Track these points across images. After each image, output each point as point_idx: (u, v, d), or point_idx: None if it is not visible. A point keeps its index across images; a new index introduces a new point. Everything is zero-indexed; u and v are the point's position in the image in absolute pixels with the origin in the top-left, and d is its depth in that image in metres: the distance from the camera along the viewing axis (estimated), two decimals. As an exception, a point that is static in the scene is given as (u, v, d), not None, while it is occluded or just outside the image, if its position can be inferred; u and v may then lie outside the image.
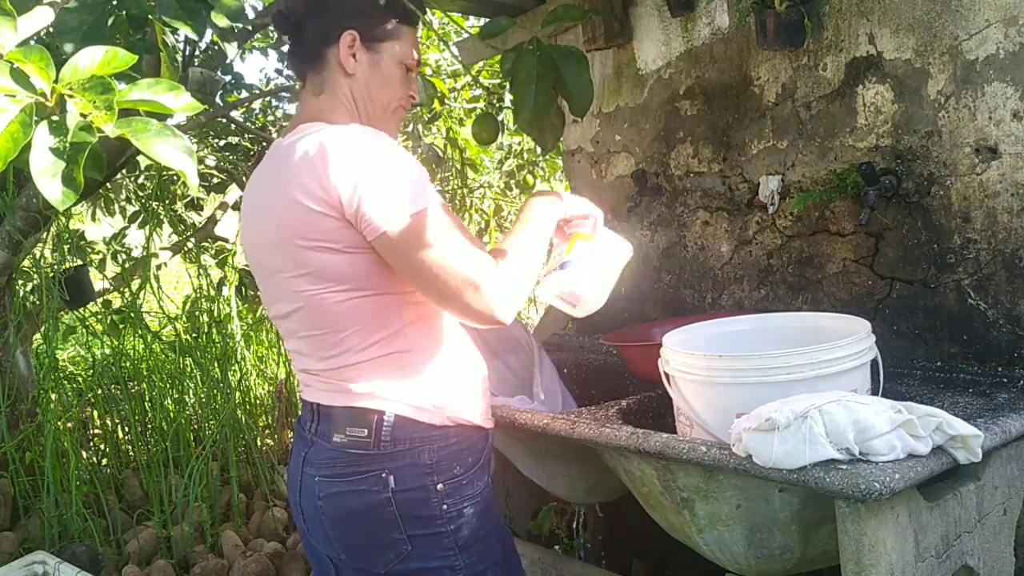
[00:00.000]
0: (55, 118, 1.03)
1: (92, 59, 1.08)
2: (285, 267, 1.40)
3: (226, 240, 4.78)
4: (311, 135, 1.38)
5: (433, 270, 1.32)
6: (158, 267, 4.14)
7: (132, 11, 1.51)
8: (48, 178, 1.01)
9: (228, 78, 4.35)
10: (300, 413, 1.55)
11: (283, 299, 1.44)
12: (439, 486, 1.41)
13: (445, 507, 1.41)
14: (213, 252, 4.54)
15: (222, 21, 1.53)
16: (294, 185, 1.35)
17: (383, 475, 1.39)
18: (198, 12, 1.50)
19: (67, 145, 1.00)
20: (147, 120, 1.07)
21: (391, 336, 1.40)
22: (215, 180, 4.87)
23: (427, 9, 2.25)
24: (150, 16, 1.54)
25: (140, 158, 3.91)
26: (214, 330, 3.87)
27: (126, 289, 3.68)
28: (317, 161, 1.33)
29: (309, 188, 1.33)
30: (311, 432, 1.47)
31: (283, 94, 5.17)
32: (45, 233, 3.22)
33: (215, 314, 3.92)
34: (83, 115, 1.04)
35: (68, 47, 1.41)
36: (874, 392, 1.59)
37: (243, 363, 4.01)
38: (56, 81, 1.07)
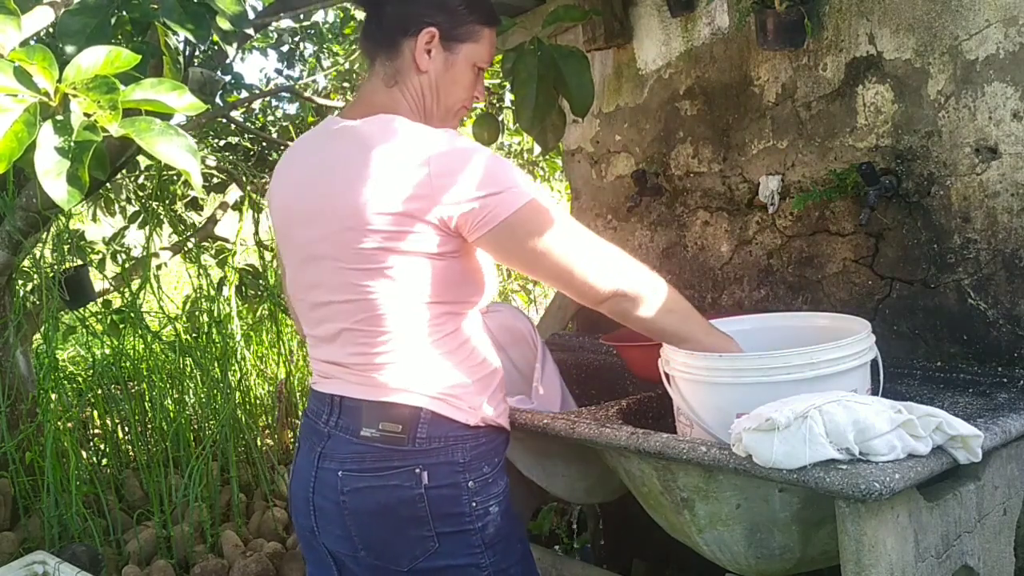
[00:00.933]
0: (59, 118, 1.03)
1: (95, 59, 1.08)
2: (344, 257, 1.38)
3: (226, 240, 4.79)
4: (404, 135, 1.36)
5: (557, 251, 1.37)
6: (158, 267, 4.14)
7: (135, 14, 1.51)
8: (53, 178, 1.01)
9: (228, 78, 4.35)
10: (308, 406, 1.53)
11: (329, 287, 1.42)
12: (470, 483, 1.41)
13: (474, 504, 1.42)
14: (213, 252, 4.53)
15: (225, 24, 1.53)
16: (387, 187, 1.33)
17: (416, 471, 1.38)
18: (201, 16, 1.50)
19: (72, 145, 1.00)
20: (151, 120, 1.07)
21: (436, 340, 1.41)
22: (215, 180, 4.87)
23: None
24: (153, 20, 1.55)
25: (140, 158, 3.91)
26: (214, 330, 3.87)
27: (126, 289, 3.68)
28: (421, 174, 1.31)
29: (409, 199, 1.32)
30: (329, 426, 1.45)
31: (283, 94, 5.17)
32: (45, 233, 3.21)
33: (215, 314, 3.92)
34: (87, 115, 1.04)
35: (70, 49, 1.41)
36: (874, 392, 1.59)
37: (243, 363, 4.01)
38: (59, 81, 1.07)
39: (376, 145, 1.36)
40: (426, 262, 1.36)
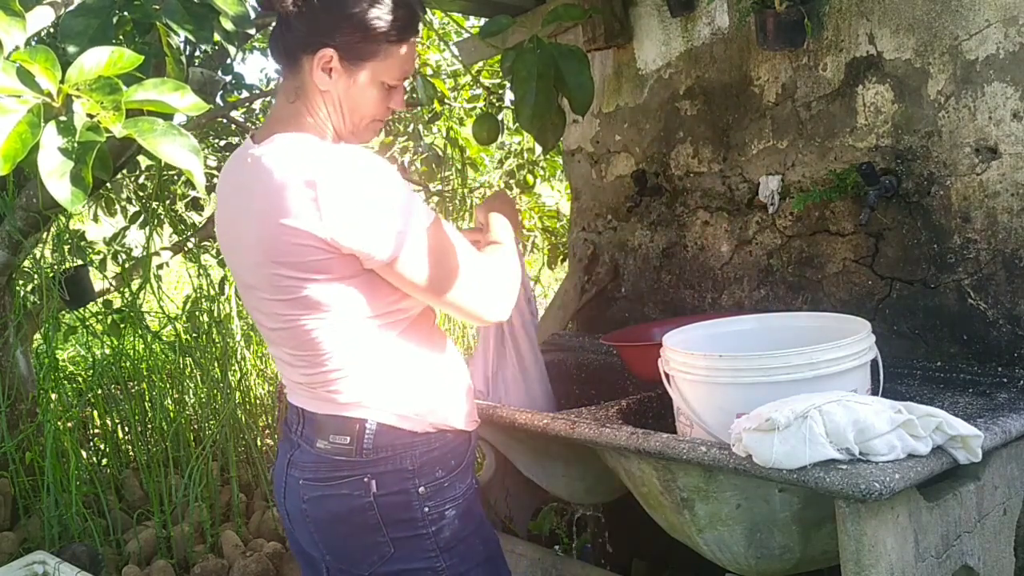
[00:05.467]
0: (62, 118, 1.04)
1: (98, 60, 1.08)
2: (264, 288, 1.39)
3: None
4: (292, 156, 1.34)
5: (438, 283, 1.37)
6: (159, 267, 4.14)
7: (137, 15, 1.51)
8: (57, 179, 1.01)
9: (228, 78, 4.35)
10: (286, 415, 1.56)
11: (263, 314, 1.44)
12: (420, 489, 1.42)
13: (426, 510, 1.43)
14: (214, 252, 4.53)
15: (228, 25, 1.53)
16: (278, 211, 1.31)
17: (365, 480, 1.40)
18: (204, 17, 1.50)
19: (75, 145, 1.01)
20: (153, 120, 1.08)
21: (373, 355, 1.41)
22: (216, 180, 4.86)
23: (427, 9, 2.25)
24: (155, 20, 1.55)
25: (140, 158, 3.91)
26: (214, 330, 3.87)
27: (126, 289, 3.68)
28: (306, 195, 1.29)
29: (298, 220, 1.29)
30: (297, 435, 1.49)
31: (283, 94, 5.16)
32: (45, 233, 3.22)
33: (215, 314, 3.92)
34: (90, 115, 1.04)
35: (72, 50, 1.41)
36: (874, 392, 1.59)
37: (243, 363, 4.01)
38: (62, 82, 1.07)
39: (269, 173, 1.33)
40: (339, 286, 1.34)
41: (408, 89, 4.31)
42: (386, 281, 1.38)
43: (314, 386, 1.44)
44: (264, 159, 1.36)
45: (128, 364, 3.77)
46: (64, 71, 1.09)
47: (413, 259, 1.34)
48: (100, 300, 3.90)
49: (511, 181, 5.39)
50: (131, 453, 3.62)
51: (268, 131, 1.42)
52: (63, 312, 3.52)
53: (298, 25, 1.39)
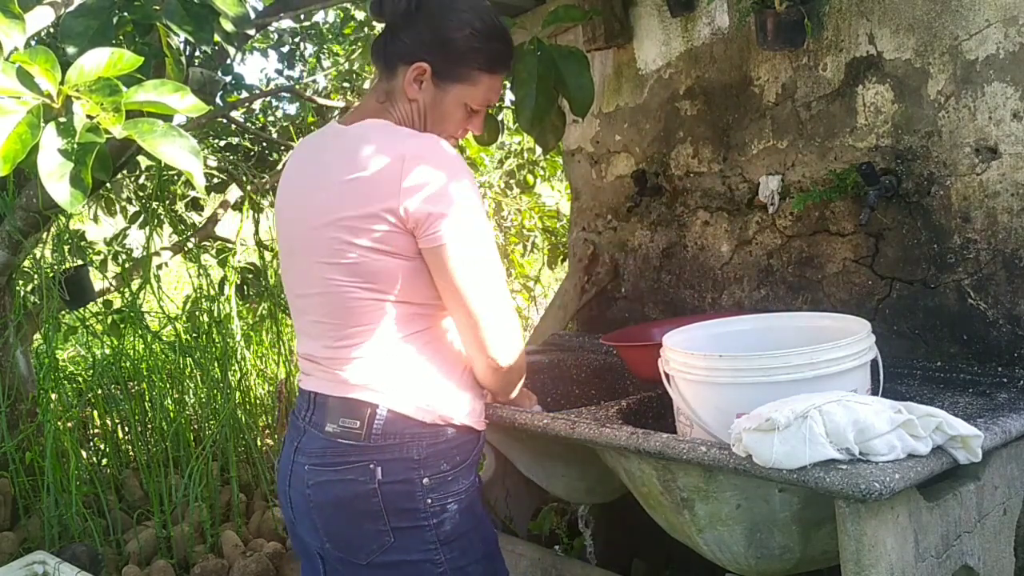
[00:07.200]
0: (62, 120, 1.04)
1: (98, 61, 1.09)
2: (320, 251, 1.44)
3: (227, 240, 4.78)
4: (386, 131, 1.43)
5: (475, 292, 1.42)
6: (158, 267, 4.14)
7: (137, 16, 1.52)
8: (56, 180, 1.01)
9: (228, 78, 4.35)
10: (296, 403, 1.59)
11: (305, 280, 1.48)
12: (425, 480, 1.44)
13: (429, 501, 1.44)
14: (214, 252, 4.53)
15: (228, 26, 1.54)
16: (360, 170, 1.38)
17: (371, 466, 1.42)
18: (203, 18, 1.51)
19: (75, 146, 1.01)
20: (153, 121, 1.08)
21: (401, 340, 1.45)
22: (215, 180, 4.87)
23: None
24: (155, 21, 1.55)
25: (140, 157, 3.91)
26: (214, 330, 3.87)
27: (126, 289, 3.68)
28: (394, 164, 1.37)
29: (377, 184, 1.37)
30: (305, 421, 1.51)
31: (283, 94, 5.17)
32: (45, 233, 3.22)
33: (215, 314, 3.92)
34: (90, 116, 1.04)
35: (72, 51, 1.42)
36: (874, 392, 1.59)
37: (243, 363, 4.01)
38: (62, 83, 1.08)
39: (361, 144, 1.42)
40: (392, 261, 1.40)
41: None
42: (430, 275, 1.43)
43: (330, 363, 1.47)
44: (357, 128, 1.46)
45: (128, 364, 3.76)
46: (64, 72, 1.09)
47: (468, 257, 1.40)
48: (100, 300, 3.90)
49: (511, 181, 5.39)
50: (131, 453, 3.62)
51: (357, 117, 1.51)
52: (63, 312, 3.52)
53: (403, 37, 1.51)
